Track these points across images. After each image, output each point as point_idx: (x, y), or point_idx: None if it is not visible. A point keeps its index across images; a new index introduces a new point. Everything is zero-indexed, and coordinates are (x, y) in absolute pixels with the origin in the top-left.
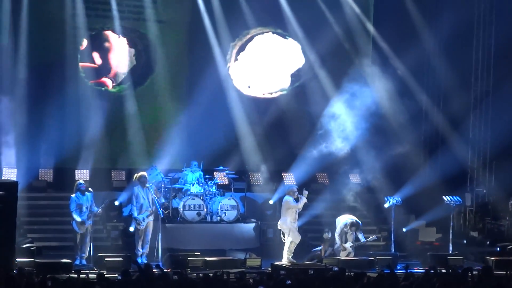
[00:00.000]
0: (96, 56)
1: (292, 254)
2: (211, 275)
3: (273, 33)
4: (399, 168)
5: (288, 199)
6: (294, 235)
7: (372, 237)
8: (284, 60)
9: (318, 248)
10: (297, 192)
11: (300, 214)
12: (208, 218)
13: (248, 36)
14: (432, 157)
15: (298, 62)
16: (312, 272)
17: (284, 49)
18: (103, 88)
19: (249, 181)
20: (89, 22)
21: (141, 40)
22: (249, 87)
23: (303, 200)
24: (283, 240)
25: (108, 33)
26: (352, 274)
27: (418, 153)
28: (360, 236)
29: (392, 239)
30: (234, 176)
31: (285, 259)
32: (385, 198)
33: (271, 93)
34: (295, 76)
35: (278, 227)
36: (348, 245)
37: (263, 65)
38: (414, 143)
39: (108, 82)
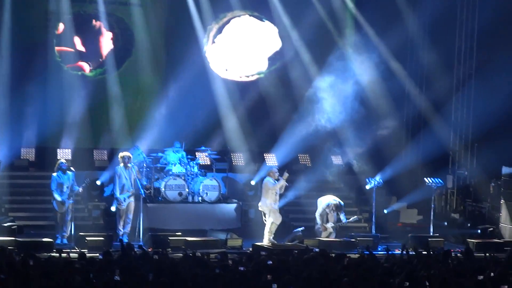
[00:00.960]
0: (72, 40)
1: (273, 235)
2: (191, 255)
3: (250, 15)
4: (381, 150)
5: (268, 180)
6: (274, 216)
7: (354, 218)
8: (261, 43)
9: (299, 229)
10: (278, 173)
11: (281, 195)
12: (190, 198)
13: (225, 19)
14: (414, 139)
15: (275, 45)
16: (296, 252)
17: (261, 32)
18: (79, 73)
19: (231, 162)
20: (66, 5)
21: (118, 23)
22: (226, 70)
23: (281, 182)
24: (264, 221)
25: (85, 17)
26: (333, 255)
27: (400, 135)
28: (342, 217)
29: (373, 220)
30: (216, 156)
31: (266, 240)
32: (367, 180)
33: (248, 76)
34: (272, 59)
35: (259, 208)
36: (330, 225)
37: (240, 48)
38: (397, 125)
39: (85, 66)
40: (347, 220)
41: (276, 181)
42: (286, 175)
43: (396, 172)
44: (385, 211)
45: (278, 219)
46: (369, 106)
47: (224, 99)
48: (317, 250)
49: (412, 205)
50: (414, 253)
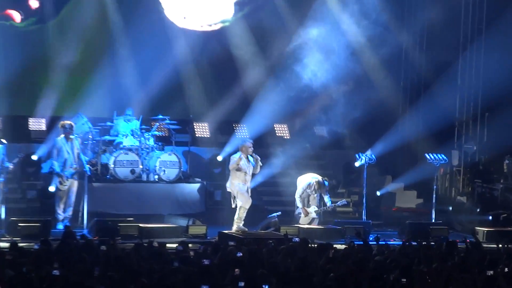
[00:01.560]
0: None
1: (242, 222)
2: (146, 244)
3: None
4: (374, 120)
5: (234, 157)
6: (243, 198)
7: (341, 201)
8: None
9: (275, 214)
10: (252, 148)
11: (253, 174)
12: (144, 177)
13: None
14: (412, 107)
15: None
16: (271, 242)
17: None
18: (8, 23)
19: (193, 133)
20: None
21: None
22: (184, 18)
23: (257, 162)
24: (233, 206)
25: None
26: (315, 245)
27: (396, 102)
28: (327, 200)
29: (364, 204)
30: (176, 126)
31: (235, 227)
32: (356, 156)
33: (211, 25)
34: (240, 3)
35: (227, 189)
36: (312, 209)
37: None
38: (392, 91)
39: (15, 15)
40: (333, 204)
41: (247, 160)
42: (258, 158)
43: (391, 147)
44: (378, 193)
45: (247, 203)
46: (359, 67)
47: (184, 56)
48: (297, 239)
49: (411, 186)
50: (413, 243)
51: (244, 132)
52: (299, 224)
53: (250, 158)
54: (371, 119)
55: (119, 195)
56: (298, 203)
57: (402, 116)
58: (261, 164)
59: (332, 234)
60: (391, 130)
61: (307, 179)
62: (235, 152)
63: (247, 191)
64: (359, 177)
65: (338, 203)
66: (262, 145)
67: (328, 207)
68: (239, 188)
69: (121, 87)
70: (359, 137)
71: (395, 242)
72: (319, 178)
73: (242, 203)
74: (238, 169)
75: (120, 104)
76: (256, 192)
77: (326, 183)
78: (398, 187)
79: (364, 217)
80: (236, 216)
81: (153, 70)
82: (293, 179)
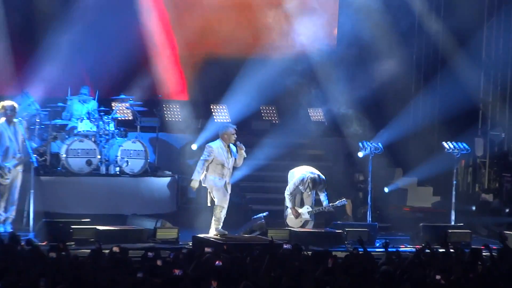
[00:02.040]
0: None
1: (221, 224)
2: (107, 251)
3: None
4: (381, 101)
5: (211, 146)
6: (219, 196)
7: (341, 200)
8: None
9: (262, 214)
10: (235, 136)
11: (234, 167)
12: (103, 169)
13: None
14: (427, 85)
15: None
16: (257, 249)
17: None
18: None
19: (163, 117)
20: None
21: None
22: None
23: (241, 153)
24: (209, 204)
25: None
26: (310, 253)
27: (407, 80)
28: (323, 198)
29: (369, 203)
30: (142, 108)
31: (213, 230)
32: (360, 144)
33: None
34: None
35: (202, 184)
36: (305, 210)
37: None
38: (403, 66)
39: None
40: (330, 204)
41: (227, 149)
42: (242, 147)
43: (401, 134)
44: (386, 190)
45: (224, 201)
46: (363, 38)
47: (153, 23)
48: (288, 246)
49: (425, 181)
50: (428, 251)
51: (224, 115)
52: (290, 227)
53: (233, 148)
54: (377, 100)
55: (73, 191)
56: (289, 203)
57: (415, 97)
58: (245, 155)
59: (331, 240)
60: (402, 113)
61: (300, 173)
62: (213, 139)
63: (225, 186)
64: (363, 170)
65: (337, 203)
66: (246, 131)
67: (325, 207)
68: (214, 183)
69: (77, 61)
70: (363, 122)
71: (406, 249)
72: (315, 172)
73: (218, 201)
74: (216, 161)
75: (75, 82)
76: (238, 188)
77: (323, 178)
78: (410, 183)
79: (369, 218)
80: (213, 218)
81: (115, 42)
82: (283, 173)
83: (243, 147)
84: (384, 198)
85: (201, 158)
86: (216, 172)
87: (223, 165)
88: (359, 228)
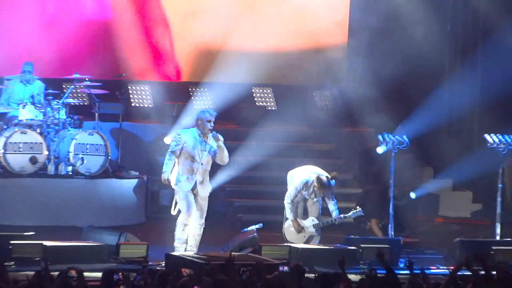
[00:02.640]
0: None
1: (185, 245)
2: (57, 274)
3: None
4: (407, 83)
5: (181, 134)
6: (181, 206)
7: (355, 211)
8: None
9: (254, 227)
10: (212, 124)
11: (215, 166)
12: (52, 169)
13: None
14: (466, 64)
15: None
16: (247, 270)
17: None
18: None
19: (128, 101)
20: None
21: None
22: None
23: (219, 145)
24: (172, 212)
25: None
26: (315, 275)
27: (440, 57)
28: (333, 207)
29: (391, 212)
30: (101, 91)
31: (192, 247)
32: (379, 137)
33: None
34: None
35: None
36: (310, 223)
37: None
38: (434, 38)
39: None
40: (342, 216)
41: (203, 140)
42: (220, 138)
43: (432, 124)
44: (413, 196)
45: (186, 215)
46: (385, 3)
47: None
48: (286, 269)
49: (463, 184)
50: (466, 272)
51: (205, 100)
52: (290, 242)
53: (212, 141)
54: (402, 81)
55: (12, 196)
56: (288, 212)
57: (450, 77)
58: (223, 147)
59: (342, 258)
60: (433, 98)
61: (303, 175)
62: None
63: (194, 191)
64: (383, 170)
65: (351, 213)
66: (234, 120)
67: (335, 219)
68: (179, 185)
69: (17, 31)
70: (385, 109)
71: (438, 270)
72: (323, 174)
73: (181, 216)
74: (186, 154)
75: (14, 57)
76: (223, 194)
77: (333, 182)
78: (443, 186)
79: (391, 232)
80: (190, 232)
81: (64, 7)
82: (280, 174)
83: (221, 137)
84: (410, 206)
85: (169, 149)
86: (184, 168)
87: (193, 159)
88: (378, 244)
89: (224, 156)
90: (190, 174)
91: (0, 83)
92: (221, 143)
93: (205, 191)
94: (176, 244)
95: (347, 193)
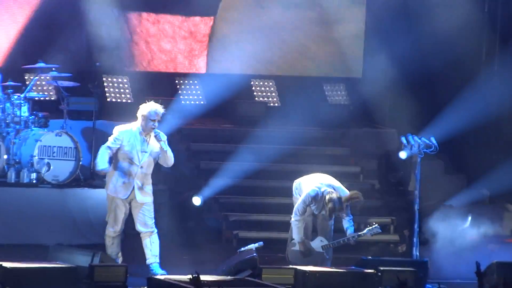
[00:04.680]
0: None
1: (151, 249)
2: None
3: None
4: (436, 75)
5: (120, 130)
6: (109, 213)
7: (372, 227)
8: None
9: (253, 246)
10: (155, 123)
11: (206, 173)
12: (11, 176)
13: None
14: (506, 51)
15: None
16: None
17: None
18: None
19: (102, 96)
20: None
21: None
22: None
23: (162, 146)
24: (106, 218)
25: None
26: None
27: (476, 44)
28: (347, 224)
29: (416, 229)
30: (71, 83)
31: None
32: (403, 140)
33: None
34: None
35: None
36: (318, 244)
37: None
38: (469, 22)
39: None
40: (356, 234)
41: (146, 138)
42: (161, 138)
43: (465, 125)
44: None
45: (112, 223)
46: None
47: None
48: None
49: (502, 195)
50: None
51: (195, 93)
52: (296, 264)
53: (155, 142)
54: (430, 73)
55: None
56: (295, 232)
57: (487, 68)
58: (166, 149)
59: (357, 284)
60: (466, 94)
61: (311, 186)
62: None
63: (129, 200)
64: (406, 177)
65: (366, 231)
66: (229, 119)
67: (349, 237)
68: (113, 187)
69: None
70: (409, 107)
71: None
72: (337, 185)
73: (107, 227)
74: (123, 154)
75: None
76: (216, 206)
77: (346, 193)
78: (478, 198)
79: (415, 252)
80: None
81: None
82: (285, 184)
83: (163, 137)
84: (438, 220)
85: (105, 144)
86: (120, 172)
87: (131, 161)
88: (400, 267)
89: (167, 158)
90: (126, 178)
91: None
92: (163, 144)
93: (144, 197)
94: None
95: (364, 205)
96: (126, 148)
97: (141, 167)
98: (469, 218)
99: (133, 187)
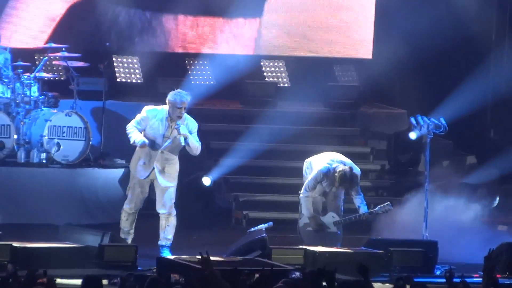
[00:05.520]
0: None
1: (164, 231)
2: (25, 280)
3: None
4: (445, 55)
5: (146, 112)
6: (130, 191)
7: (383, 205)
8: None
9: (263, 226)
10: (182, 112)
11: (215, 153)
12: (21, 156)
13: None
14: None
15: None
16: (253, 278)
17: None
18: None
19: (112, 76)
20: None
21: None
22: None
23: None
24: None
25: None
26: (335, 284)
27: (486, 23)
28: (358, 202)
29: (426, 210)
30: (81, 63)
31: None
32: (413, 120)
33: None
34: None
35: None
36: (330, 219)
37: None
38: (479, 2)
39: None
40: (369, 211)
41: (168, 124)
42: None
43: (475, 105)
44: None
45: (131, 201)
46: None
47: None
48: (297, 274)
49: None
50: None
51: (205, 75)
52: (306, 245)
53: (182, 129)
54: (440, 55)
55: None
56: (304, 207)
57: (497, 48)
58: (182, 144)
59: (367, 264)
60: (476, 74)
61: (322, 163)
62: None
63: (150, 178)
64: (416, 158)
65: (378, 208)
66: (239, 99)
67: (361, 215)
68: (136, 169)
69: None
70: (419, 87)
71: (479, 279)
72: (347, 162)
73: (126, 200)
74: (147, 136)
75: None
76: (225, 186)
77: (358, 171)
78: (488, 179)
79: (425, 233)
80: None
81: None
82: (295, 164)
83: (182, 131)
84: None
85: (132, 120)
86: (142, 151)
87: (153, 144)
88: (410, 247)
89: (190, 150)
90: (148, 160)
91: None
92: (182, 138)
93: (166, 181)
94: (121, 234)
95: (374, 186)
96: (149, 131)
97: (162, 152)
98: (497, 198)
99: (153, 169)
